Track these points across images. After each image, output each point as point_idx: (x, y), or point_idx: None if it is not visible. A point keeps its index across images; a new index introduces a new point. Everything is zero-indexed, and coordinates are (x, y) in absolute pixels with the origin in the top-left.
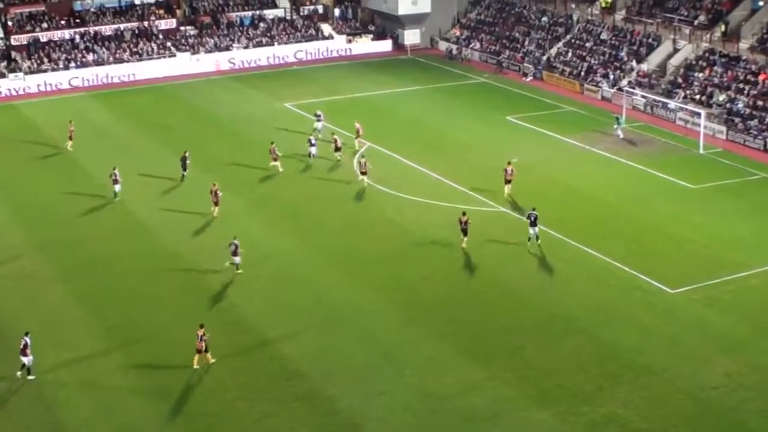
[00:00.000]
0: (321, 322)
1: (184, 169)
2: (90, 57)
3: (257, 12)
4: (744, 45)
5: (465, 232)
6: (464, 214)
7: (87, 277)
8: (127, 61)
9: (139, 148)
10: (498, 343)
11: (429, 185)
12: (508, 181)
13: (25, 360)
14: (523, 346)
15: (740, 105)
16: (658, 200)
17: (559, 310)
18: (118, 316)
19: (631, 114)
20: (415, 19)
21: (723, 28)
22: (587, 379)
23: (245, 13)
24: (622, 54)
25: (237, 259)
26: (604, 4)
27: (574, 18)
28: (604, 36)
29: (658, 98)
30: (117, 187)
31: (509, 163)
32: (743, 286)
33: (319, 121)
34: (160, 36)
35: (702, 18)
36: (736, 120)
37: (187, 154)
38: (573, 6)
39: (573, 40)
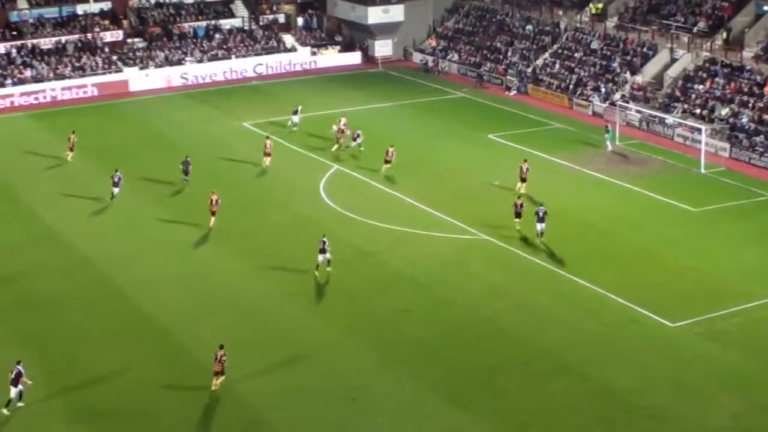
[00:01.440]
0: (285, 364)
1: (186, 174)
2: (28, 73)
3: (212, 22)
4: (748, 54)
5: (519, 215)
6: (519, 197)
7: (25, 316)
8: (69, 77)
9: (83, 174)
10: (481, 385)
11: (403, 211)
12: (523, 179)
13: (15, 391)
14: (508, 388)
15: (744, 119)
16: (655, 224)
17: (547, 348)
18: (60, 359)
19: (625, 131)
20: (387, 29)
21: (724, 35)
22: (579, 423)
23: (199, 23)
24: (615, 65)
25: (321, 258)
26: (594, 11)
27: (562, 26)
28: (594, 45)
29: (654, 113)
30: (115, 190)
31: (525, 161)
32: (750, 317)
33: (296, 114)
34: (106, 49)
35: (702, 25)
36: (740, 136)
37: (188, 159)
38: (560, 13)
39: (560, 51)
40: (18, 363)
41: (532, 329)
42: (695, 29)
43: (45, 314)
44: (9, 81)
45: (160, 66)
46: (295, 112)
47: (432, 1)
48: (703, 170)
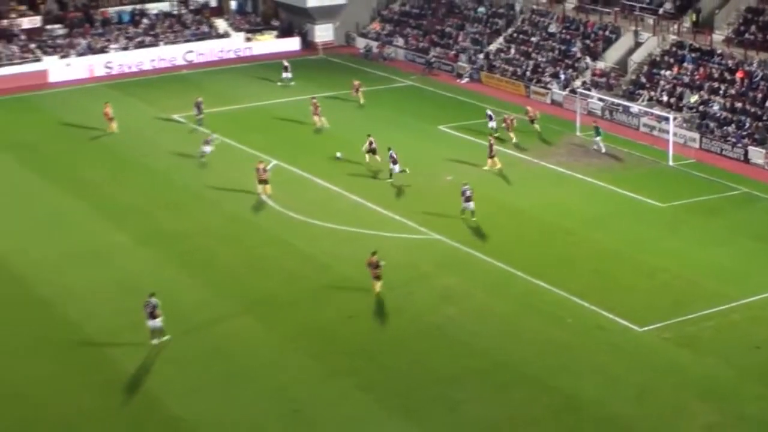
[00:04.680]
0: (222, 378)
1: (200, 113)
2: None
3: (138, 6)
4: (718, 37)
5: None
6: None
7: None
8: None
9: None
10: (434, 397)
11: (348, 210)
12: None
13: (154, 323)
14: (464, 399)
15: (715, 107)
16: (621, 222)
17: (506, 356)
18: None
19: (586, 120)
20: (328, 12)
21: (693, 17)
22: None
23: (124, 8)
24: (575, 49)
25: (470, 205)
26: None
27: (517, 8)
28: (552, 29)
29: (618, 101)
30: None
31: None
32: (724, 321)
33: (286, 71)
34: (23, 37)
35: (668, 6)
36: (711, 125)
37: (201, 100)
38: None
39: (516, 34)
40: (151, 296)
41: (490, 337)
42: (661, 10)
43: None
44: None
45: (82, 54)
46: (286, 69)
47: None
48: (671, 163)
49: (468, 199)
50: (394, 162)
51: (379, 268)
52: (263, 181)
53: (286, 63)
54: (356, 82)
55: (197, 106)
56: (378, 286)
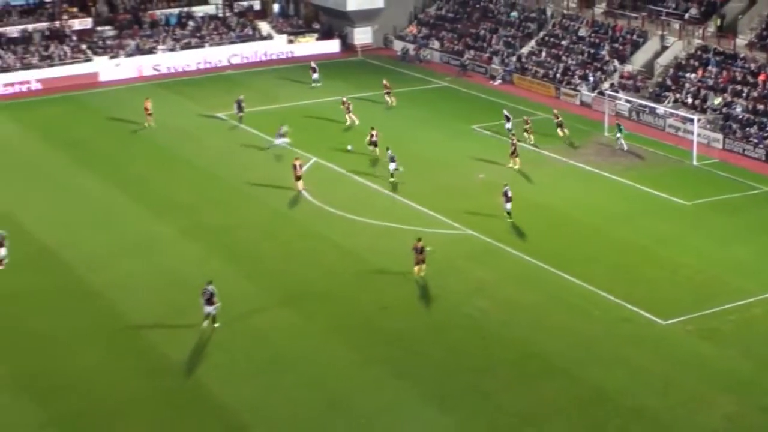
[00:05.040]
0: (262, 367)
1: (240, 111)
2: None
3: (185, 9)
4: (741, 41)
5: (374, 144)
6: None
7: None
8: (37, 67)
9: (48, 167)
10: (466, 386)
11: (383, 206)
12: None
13: (210, 309)
14: (495, 389)
15: (738, 109)
16: (646, 219)
17: (535, 348)
18: (27, 363)
19: (614, 121)
20: (366, 16)
21: (718, 22)
22: (569, 426)
23: (171, 10)
24: (603, 53)
25: (508, 206)
26: None
27: (548, 12)
28: (582, 33)
29: (644, 103)
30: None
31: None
32: (745, 315)
33: (315, 72)
34: (74, 38)
35: (694, 11)
36: (734, 126)
37: (242, 98)
38: None
39: (547, 38)
40: (209, 284)
41: (520, 328)
42: (687, 16)
43: (7, 313)
44: None
45: (131, 55)
46: (314, 70)
47: None
48: (695, 162)
49: (508, 200)
50: (392, 160)
51: (423, 254)
52: (299, 178)
53: (313, 65)
54: (385, 83)
55: (238, 104)
56: (418, 270)
